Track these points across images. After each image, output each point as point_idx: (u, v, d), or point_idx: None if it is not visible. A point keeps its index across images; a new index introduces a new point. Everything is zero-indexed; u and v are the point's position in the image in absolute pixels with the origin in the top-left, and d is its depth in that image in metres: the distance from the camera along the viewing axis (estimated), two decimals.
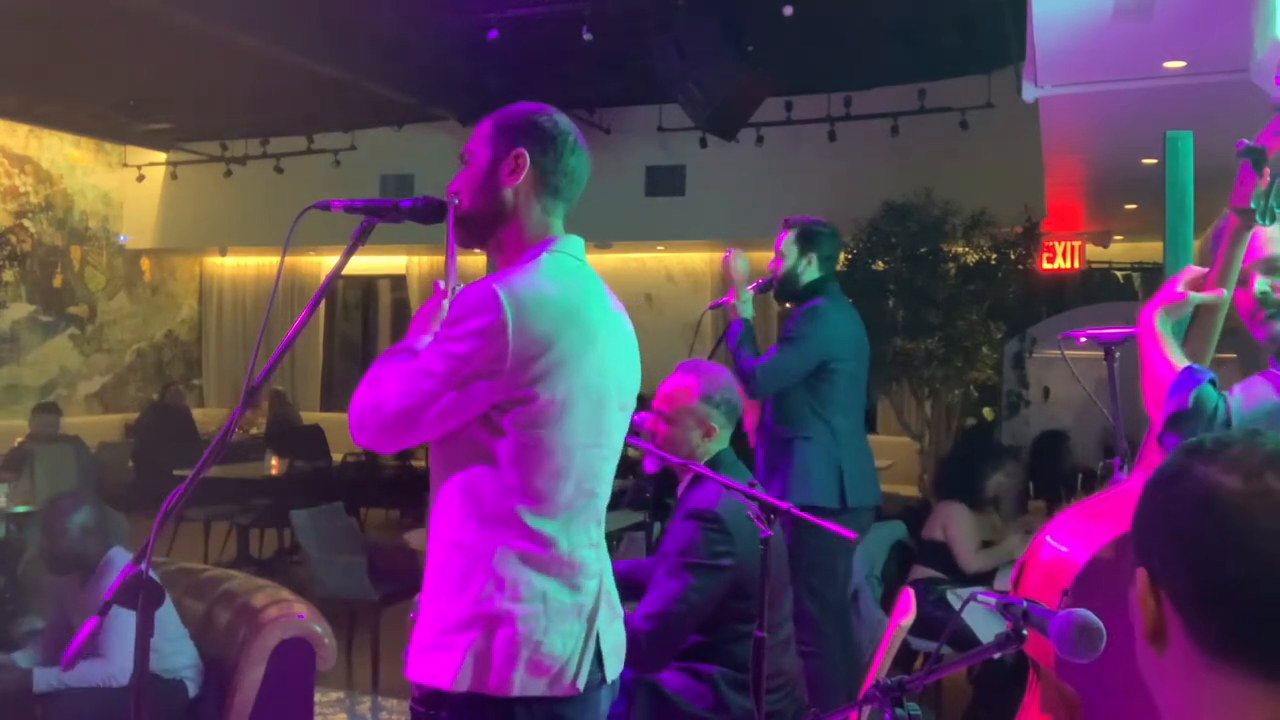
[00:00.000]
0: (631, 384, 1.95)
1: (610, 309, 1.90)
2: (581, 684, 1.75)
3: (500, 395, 1.72)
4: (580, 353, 1.77)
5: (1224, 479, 0.93)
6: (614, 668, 1.86)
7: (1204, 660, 0.93)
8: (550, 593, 1.76)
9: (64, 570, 3.53)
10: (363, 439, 1.79)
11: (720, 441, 2.96)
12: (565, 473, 1.78)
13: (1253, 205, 1.79)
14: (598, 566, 1.84)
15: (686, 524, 2.78)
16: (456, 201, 1.88)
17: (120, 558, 3.42)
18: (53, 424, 8.35)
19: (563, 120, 1.91)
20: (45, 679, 3.38)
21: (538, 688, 1.72)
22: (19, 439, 8.23)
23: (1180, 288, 1.95)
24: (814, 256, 3.98)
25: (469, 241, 1.91)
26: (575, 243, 1.90)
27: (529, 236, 1.87)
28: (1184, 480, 0.96)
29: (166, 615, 3.40)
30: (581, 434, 1.79)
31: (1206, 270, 1.94)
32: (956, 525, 4.66)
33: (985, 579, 4.56)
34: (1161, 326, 1.93)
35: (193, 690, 3.53)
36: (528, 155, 1.85)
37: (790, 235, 4.04)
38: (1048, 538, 2.02)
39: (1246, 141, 1.78)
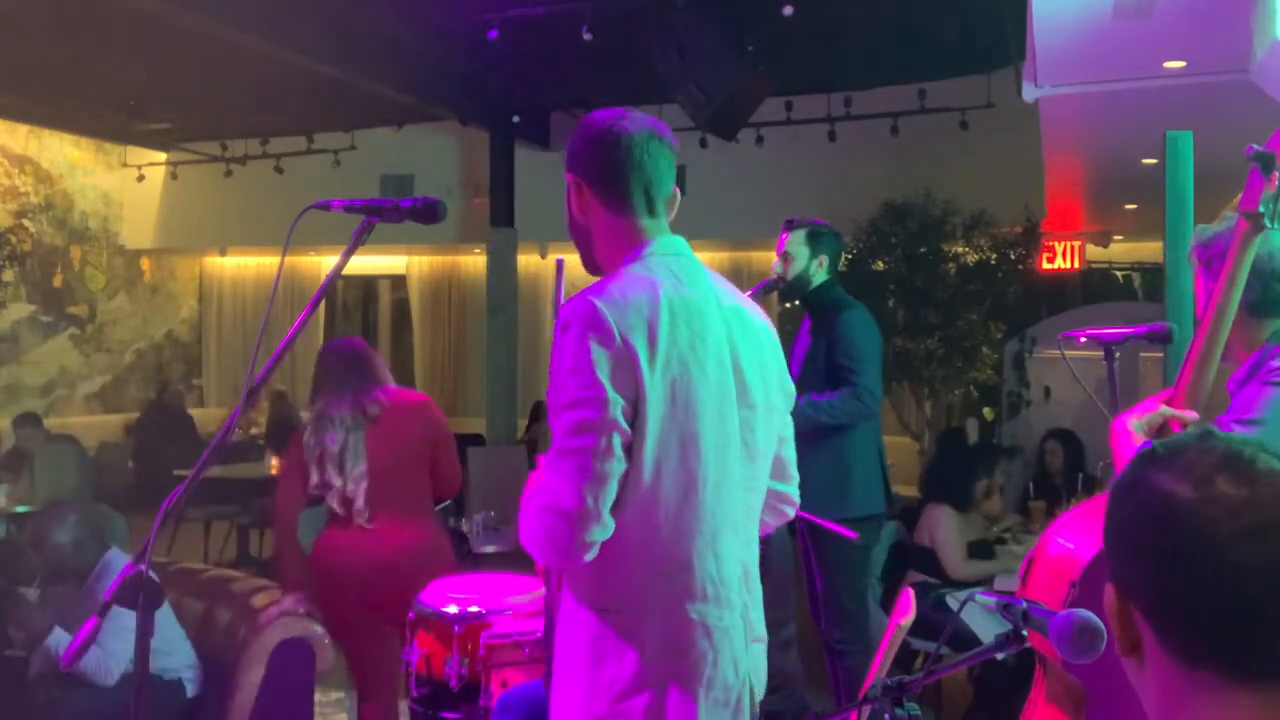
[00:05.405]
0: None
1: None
2: None
3: None
4: None
5: (1176, 487, 0.92)
6: None
7: (1178, 669, 0.93)
8: None
9: (59, 582, 3.53)
10: None
11: None
12: None
13: (1261, 209, 1.80)
14: None
15: None
16: None
17: (118, 559, 3.42)
18: (36, 435, 7.94)
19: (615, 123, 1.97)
20: (39, 664, 3.38)
21: None
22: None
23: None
24: (825, 258, 3.95)
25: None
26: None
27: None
28: (1139, 491, 0.96)
29: (163, 616, 3.40)
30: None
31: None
32: (942, 530, 4.60)
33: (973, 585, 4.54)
34: (1133, 427, 1.96)
35: (190, 690, 3.53)
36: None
37: (799, 236, 3.95)
38: (1055, 536, 2.07)
39: (1256, 147, 1.79)
